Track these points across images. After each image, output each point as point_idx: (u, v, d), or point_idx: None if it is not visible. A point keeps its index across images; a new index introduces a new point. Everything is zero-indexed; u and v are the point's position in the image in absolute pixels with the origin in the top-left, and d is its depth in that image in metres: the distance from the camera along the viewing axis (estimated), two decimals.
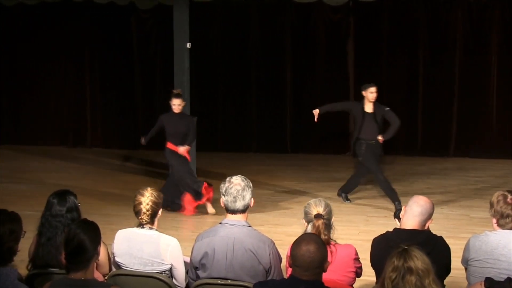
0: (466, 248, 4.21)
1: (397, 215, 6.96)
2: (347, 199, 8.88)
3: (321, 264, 3.42)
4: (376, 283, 4.11)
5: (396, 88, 11.88)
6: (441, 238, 4.24)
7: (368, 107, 8.44)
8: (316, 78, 12.20)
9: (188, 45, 9.77)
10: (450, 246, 4.26)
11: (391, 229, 4.29)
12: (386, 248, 4.02)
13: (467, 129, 11.67)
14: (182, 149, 8.36)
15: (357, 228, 7.69)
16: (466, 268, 4.22)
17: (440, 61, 11.71)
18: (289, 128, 12.44)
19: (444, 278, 4.20)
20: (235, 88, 12.52)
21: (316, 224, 4.16)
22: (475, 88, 11.60)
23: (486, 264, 4.05)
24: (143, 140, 8.62)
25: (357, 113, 8.49)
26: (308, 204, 4.38)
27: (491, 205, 4.20)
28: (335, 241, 4.34)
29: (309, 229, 4.21)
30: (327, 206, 4.31)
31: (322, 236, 4.06)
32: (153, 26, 12.55)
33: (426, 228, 4.21)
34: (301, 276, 3.40)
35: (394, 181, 9.87)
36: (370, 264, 4.28)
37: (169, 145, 8.41)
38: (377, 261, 4.16)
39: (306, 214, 4.31)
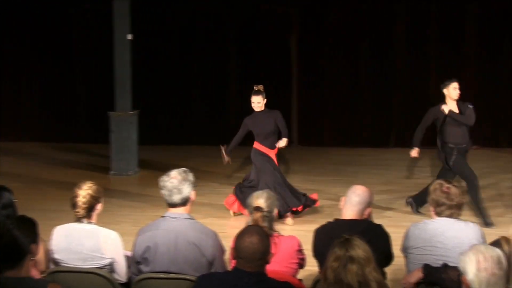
0: (406, 237, 4.30)
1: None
2: (418, 211, 7.86)
3: (264, 255, 3.43)
4: (319, 273, 4.15)
5: (339, 80, 12.01)
6: (380, 226, 4.32)
7: (452, 106, 7.53)
8: (260, 70, 12.20)
9: (130, 36, 9.63)
10: (391, 234, 4.33)
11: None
12: (327, 238, 4.06)
13: (408, 120, 11.88)
14: (283, 143, 7.65)
15: (301, 219, 7.73)
16: (405, 256, 4.31)
17: (382, 54, 11.88)
18: (232, 122, 12.41)
19: (386, 265, 4.28)
20: (178, 81, 12.41)
21: (255, 217, 4.19)
22: (415, 79, 11.82)
23: (424, 252, 4.14)
24: (224, 152, 7.96)
25: (441, 117, 7.55)
26: (251, 196, 4.40)
27: (429, 194, 4.30)
28: (278, 232, 4.36)
29: (250, 221, 4.23)
30: (269, 198, 4.32)
31: None
32: (93, 17, 12.31)
33: (365, 216, 4.29)
34: (245, 267, 3.40)
35: (338, 172, 10.05)
36: (312, 254, 4.31)
37: (256, 145, 7.74)
38: (319, 251, 4.20)
39: (249, 206, 4.33)
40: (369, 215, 4.37)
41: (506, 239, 3.79)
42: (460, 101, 7.55)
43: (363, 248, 3.26)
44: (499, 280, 3.11)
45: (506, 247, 3.70)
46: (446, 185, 4.24)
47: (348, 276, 3.19)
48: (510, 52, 11.56)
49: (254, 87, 7.71)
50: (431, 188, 4.32)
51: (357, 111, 11.92)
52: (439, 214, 4.23)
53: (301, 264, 4.42)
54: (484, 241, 4.11)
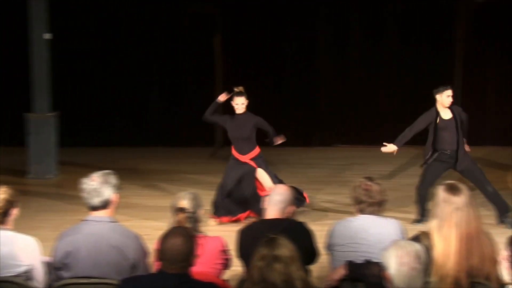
0: (330, 234, 4.35)
1: None
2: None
3: (188, 257, 3.40)
4: (244, 273, 4.14)
5: (263, 80, 12.07)
6: (302, 223, 4.36)
7: (445, 114, 7.49)
8: (183, 71, 12.11)
9: (47, 36, 9.36)
10: (316, 232, 4.38)
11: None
12: (250, 238, 4.08)
13: (331, 120, 12.07)
14: (280, 140, 7.67)
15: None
16: (330, 254, 4.36)
17: (305, 54, 12.01)
18: (151, 122, 12.27)
19: (312, 263, 4.32)
20: (102, 82, 12.16)
21: (178, 218, 4.16)
22: (337, 79, 12.01)
23: (348, 249, 4.20)
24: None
25: (433, 121, 7.50)
26: (176, 197, 4.35)
27: (351, 191, 4.36)
28: (203, 233, 4.33)
29: (173, 222, 4.19)
30: (193, 199, 4.29)
31: None
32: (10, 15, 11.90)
33: (288, 215, 4.32)
34: (168, 269, 3.36)
35: None
36: (237, 255, 4.30)
37: (233, 151, 7.64)
38: (243, 251, 4.21)
39: (173, 207, 4.29)
40: (292, 213, 4.40)
41: (425, 234, 3.90)
42: (454, 105, 7.54)
43: (288, 247, 3.27)
44: (419, 274, 3.19)
45: (425, 242, 3.81)
46: (367, 182, 4.32)
47: (273, 275, 3.20)
48: (430, 50, 11.90)
49: (235, 89, 7.60)
50: (353, 186, 4.39)
51: (280, 110, 11.99)
52: (361, 211, 4.31)
53: (226, 264, 4.41)
54: (404, 237, 4.22)
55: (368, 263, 3.98)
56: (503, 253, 3.59)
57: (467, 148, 7.61)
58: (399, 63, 11.95)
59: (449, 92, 7.42)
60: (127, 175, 9.56)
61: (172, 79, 12.22)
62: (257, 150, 7.65)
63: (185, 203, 4.24)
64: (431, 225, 3.93)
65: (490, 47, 11.80)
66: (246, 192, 7.45)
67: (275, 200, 4.32)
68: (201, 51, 12.04)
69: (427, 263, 3.31)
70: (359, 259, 4.07)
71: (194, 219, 4.23)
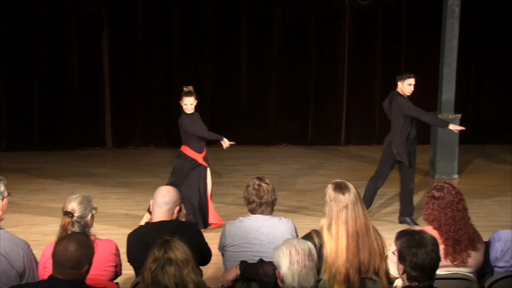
0: (222, 235, 4.36)
1: None
2: (414, 223, 7.42)
3: (78, 264, 3.28)
4: (136, 277, 4.09)
5: (152, 80, 11.96)
6: (190, 224, 4.34)
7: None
8: (70, 71, 11.78)
9: None
10: (207, 232, 4.37)
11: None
12: (138, 243, 4.03)
13: (220, 120, 12.12)
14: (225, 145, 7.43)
15: (117, 222, 7.58)
16: (223, 254, 4.38)
17: (193, 53, 11.99)
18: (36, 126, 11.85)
19: (205, 263, 4.32)
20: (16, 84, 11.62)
21: (63, 222, 4.03)
22: (226, 80, 12.08)
23: (241, 249, 4.23)
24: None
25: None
26: (65, 200, 4.23)
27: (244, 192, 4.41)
28: (94, 236, 4.23)
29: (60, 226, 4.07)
30: (82, 202, 4.16)
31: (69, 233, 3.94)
32: None
33: (175, 216, 4.25)
34: (59, 275, 3.26)
35: (153, 174, 9.98)
36: (127, 260, 4.24)
37: (184, 149, 7.48)
38: (132, 256, 4.15)
39: (62, 210, 4.15)
40: (179, 214, 4.34)
41: (316, 232, 4.00)
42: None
43: (182, 249, 3.25)
44: (310, 272, 3.25)
45: (316, 240, 3.91)
46: (258, 182, 4.36)
47: (165, 278, 3.18)
48: (316, 53, 12.22)
49: (184, 88, 7.41)
50: (245, 186, 4.43)
51: (169, 110, 11.93)
52: (253, 211, 4.35)
53: (118, 267, 4.33)
54: (296, 235, 4.31)
55: (262, 263, 4.02)
56: (391, 248, 3.75)
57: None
58: (286, 63, 12.18)
59: (411, 81, 7.23)
60: (13, 180, 9.20)
61: (58, 80, 11.83)
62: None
63: (73, 206, 4.11)
64: (322, 224, 4.05)
65: (375, 47, 12.27)
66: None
67: (159, 202, 4.23)
68: (89, 50, 11.76)
69: (317, 260, 3.38)
70: (252, 259, 4.11)
71: (82, 224, 4.11)
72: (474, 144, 11.99)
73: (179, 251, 3.23)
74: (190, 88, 7.41)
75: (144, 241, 3.92)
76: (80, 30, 11.66)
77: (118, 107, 12.00)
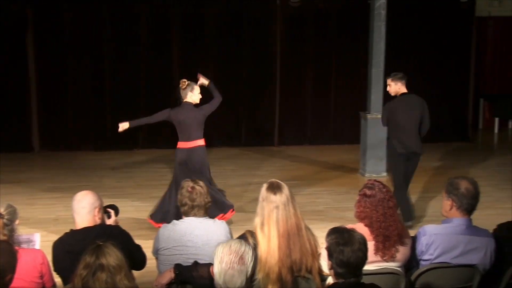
0: (156, 239, 4.33)
1: None
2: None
3: (1, 273, 3.17)
4: (64, 285, 3.98)
5: (83, 82, 11.74)
6: (116, 227, 4.25)
7: None
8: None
9: None
10: (142, 236, 4.32)
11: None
12: (63, 252, 3.94)
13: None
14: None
15: (46, 229, 7.38)
16: (157, 258, 4.34)
17: (125, 56, 11.85)
18: None
19: (140, 267, 4.27)
20: None
21: None
22: (159, 83, 11.98)
23: (175, 252, 4.21)
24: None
25: None
26: None
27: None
28: (19, 245, 4.09)
29: None
30: (9, 207, 4.04)
31: (1, 237, 3.82)
32: None
33: (98, 221, 4.13)
34: None
35: (84, 178, 9.79)
36: (53, 269, 4.11)
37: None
38: (58, 265, 4.03)
39: None
40: (104, 217, 4.25)
41: (251, 232, 4.03)
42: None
43: (114, 255, 3.19)
44: (237, 274, 3.26)
45: (251, 240, 3.94)
46: (191, 185, 4.35)
47: (97, 285, 3.12)
48: (248, 54, 12.26)
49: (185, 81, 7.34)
50: (180, 188, 4.41)
51: (100, 111, 11.74)
52: (186, 214, 4.34)
53: (46, 277, 4.17)
54: (231, 237, 4.32)
55: (196, 265, 4.01)
56: (324, 246, 3.82)
57: None
58: (219, 64, 12.17)
59: (387, 81, 7.58)
60: None
61: None
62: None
63: (1, 209, 3.98)
64: (255, 223, 4.08)
65: (306, 48, 12.42)
66: None
67: (77, 208, 4.09)
68: (12, 50, 11.42)
69: (251, 261, 3.40)
70: (187, 262, 4.09)
71: (10, 228, 3.97)
72: None
73: (112, 257, 3.17)
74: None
75: (69, 250, 3.84)
76: (2, 29, 11.28)
77: (46, 110, 11.69)
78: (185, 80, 7.36)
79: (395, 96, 7.59)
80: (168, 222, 4.57)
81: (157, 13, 11.90)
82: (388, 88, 7.60)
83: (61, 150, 11.65)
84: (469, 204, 4.14)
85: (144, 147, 11.93)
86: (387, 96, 9.71)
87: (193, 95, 7.28)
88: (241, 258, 3.27)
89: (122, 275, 3.17)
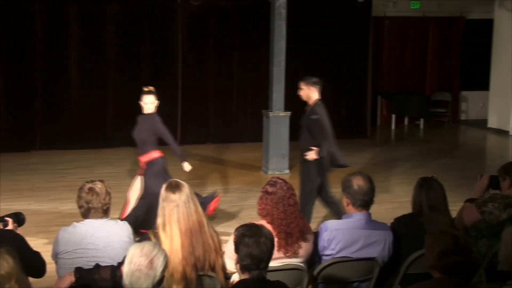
0: (56, 242, 4.19)
1: None
2: None
3: None
4: None
5: (14, 81, 11.30)
6: (11, 231, 4.10)
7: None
8: None
9: None
10: (41, 240, 4.18)
11: None
12: None
13: (51, 122, 11.66)
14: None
15: None
16: (56, 262, 4.20)
17: (20, 54, 11.44)
18: None
19: (39, 272, 4.13)
20: None
21: None
22: (56, 81, 11.66)
23: (75, 255, 4.09)
24: None
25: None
26: None
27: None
28: None
29: None
30: None
31: None
32: None
33: None
34: None
35: None
36: None
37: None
38: None
39: None
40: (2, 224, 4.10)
41: (154, 232, 3.99)
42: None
43: (5, 263, 3.04)
44: (143, 277, 3.21)
45: (154, 240, 3.90)
46: (89, 186, 4.22)
47: None
48: (149, 53, 12.13)
49: (144, 88, 7.15)
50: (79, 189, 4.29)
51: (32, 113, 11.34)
52: (84, 216, 4.22)
53: None
54: (133, 238, 4.25)
55: (98, 268, 3.92)
56: (228, 244, 3.83)
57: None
58: (121, 64, 11.99)
59: (300, 84, 7.32)
60: None
61: None
62: (153, 155, 7.02)
63: None
64: (158, 223, 4.06)
65: (208, 47, 12.42)
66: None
67: None
68: None
69: (163, 266, 3.35)
70: (88, 265, 3.99)
71: None
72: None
73: (2, 265, 3.02)
74: (151, 88, 7.17)
75: None
76: None
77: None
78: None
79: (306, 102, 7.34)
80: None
81: (54, 10, 11.55)
82: (300, 92, 7.36)
83: None
84: (362, 201, 4.26)
85: (41, 148, 11.56)
86: (289, 95, 9.88)
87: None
88: (151, 262, 3.20)
89: (12, 284, 3.02)
